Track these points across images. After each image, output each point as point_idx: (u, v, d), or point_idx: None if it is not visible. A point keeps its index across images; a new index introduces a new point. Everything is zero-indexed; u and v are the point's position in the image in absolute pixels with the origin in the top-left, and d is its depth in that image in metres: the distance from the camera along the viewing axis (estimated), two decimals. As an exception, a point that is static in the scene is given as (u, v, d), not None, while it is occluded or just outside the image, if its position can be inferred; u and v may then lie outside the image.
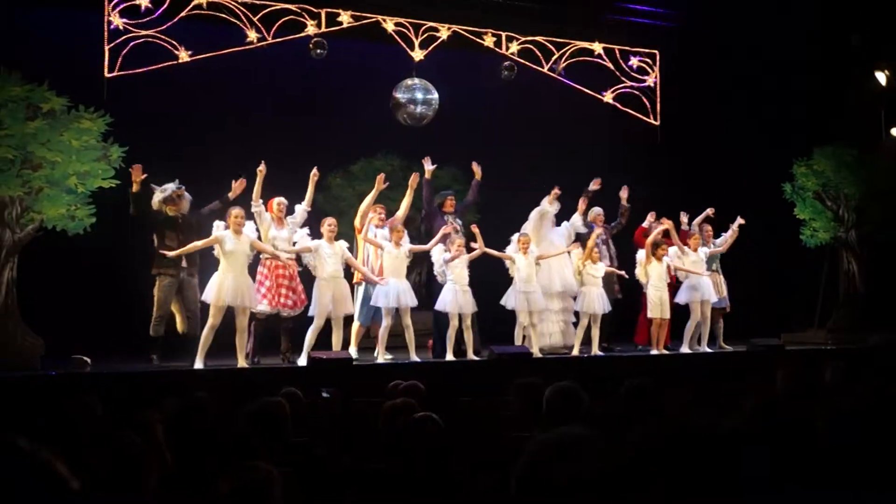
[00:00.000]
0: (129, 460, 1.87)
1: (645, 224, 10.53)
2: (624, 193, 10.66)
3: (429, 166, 9.80)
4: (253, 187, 8.76)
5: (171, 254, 8.41)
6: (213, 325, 8.23)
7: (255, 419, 4.19)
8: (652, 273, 9.84)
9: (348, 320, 9.15)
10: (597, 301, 9.67)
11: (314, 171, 9.10)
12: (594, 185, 10.42)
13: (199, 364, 8.18)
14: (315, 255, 8.74)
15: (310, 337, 8.66)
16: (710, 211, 10.71)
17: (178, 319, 8.83)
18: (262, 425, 4.13)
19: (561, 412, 3.98)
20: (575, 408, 4.00)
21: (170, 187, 8.76)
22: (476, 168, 10.09)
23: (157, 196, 8.74)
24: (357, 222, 9.42)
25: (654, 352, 9.88)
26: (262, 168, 8.75)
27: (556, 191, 10.15)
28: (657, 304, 9.82)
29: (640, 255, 10.01)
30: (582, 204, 10.33)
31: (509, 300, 9.58)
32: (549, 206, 10.17)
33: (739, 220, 10.52)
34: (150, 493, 1.78)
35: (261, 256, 8.82)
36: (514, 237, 9.74)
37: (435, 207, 9.88)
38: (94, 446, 1.89)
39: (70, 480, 1.61)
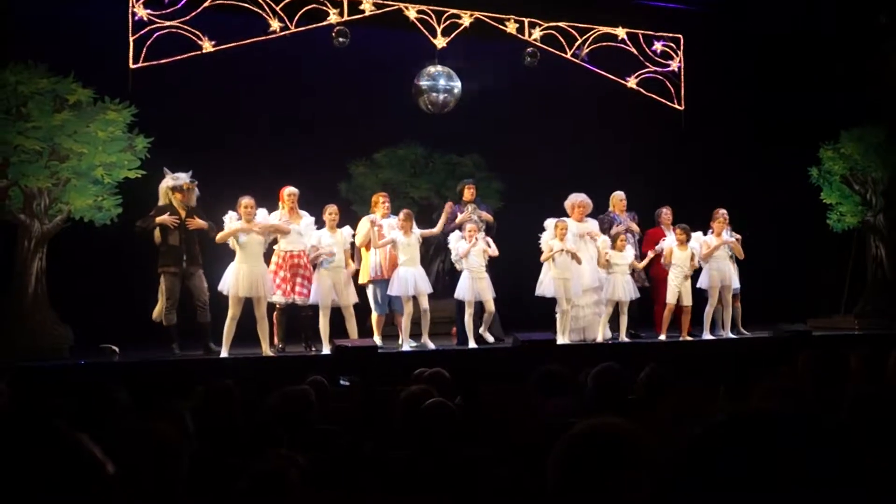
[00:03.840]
0: (164, 450, 1.89)
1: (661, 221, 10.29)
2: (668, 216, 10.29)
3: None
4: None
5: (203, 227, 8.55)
6: (234, 316, 8.29)
7: (281, 407, 4.23)
8: (676, 259, 9.78)
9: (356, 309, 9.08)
10: (622, 288, 9.59)
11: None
12: (632, 227, 10.13)
13: (224, 353, 8.26)
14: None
15: (324, 326, 8.70)
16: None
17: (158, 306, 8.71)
18: (288, 413, 4.17)
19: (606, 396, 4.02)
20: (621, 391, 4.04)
21: (182, 177, 8.66)
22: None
23: (168, 182, 8.61)
24: (358, 241, 9.18)
25: (661, 337, 9.82)
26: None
27: None
28: (675, 291, 9.76)
29: (668, 241, 9.93)
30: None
31: (547, 288, 9.44)
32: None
33: (737, 235, 10.16)
34: (181, 485, 1.79)
35: (275, 247, 8.82)
36: (549, 222, 9.45)
37: (456, 197, 9.84)
38: (126, 436, 1.91)
39: (105, 465, 1.62)
